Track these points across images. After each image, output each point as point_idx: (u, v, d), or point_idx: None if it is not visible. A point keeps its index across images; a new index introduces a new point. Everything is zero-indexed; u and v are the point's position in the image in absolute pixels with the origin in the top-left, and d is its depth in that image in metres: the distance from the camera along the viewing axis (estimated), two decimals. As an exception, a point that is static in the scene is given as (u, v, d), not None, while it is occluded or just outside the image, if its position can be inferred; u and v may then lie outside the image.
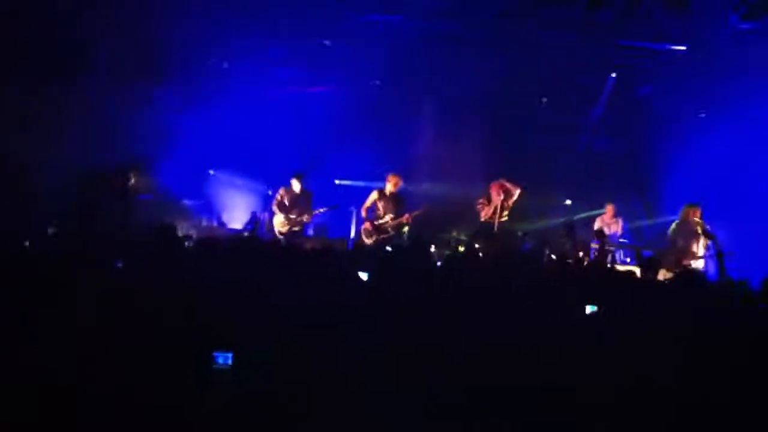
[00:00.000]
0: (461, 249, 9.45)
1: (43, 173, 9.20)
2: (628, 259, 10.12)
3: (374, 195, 9.94)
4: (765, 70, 9.85)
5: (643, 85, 11.83)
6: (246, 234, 8.95)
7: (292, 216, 9.99)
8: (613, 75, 11.62)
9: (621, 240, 10.60)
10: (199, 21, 9.72)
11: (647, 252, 9.52)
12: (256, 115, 11.41)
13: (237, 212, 11.45)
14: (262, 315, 3.47)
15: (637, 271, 7.57)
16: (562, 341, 3.51)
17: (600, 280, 5.40)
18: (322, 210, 10.26)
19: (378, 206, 9.89)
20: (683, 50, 10.57)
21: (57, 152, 9.26)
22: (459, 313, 3.70)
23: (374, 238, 9.72)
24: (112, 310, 3.38)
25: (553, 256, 8.21)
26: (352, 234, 11.01)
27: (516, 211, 10.00)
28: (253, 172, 11.56)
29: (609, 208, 10.68)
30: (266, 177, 11.31)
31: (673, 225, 9.26)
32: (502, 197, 9.77)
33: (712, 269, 8.73)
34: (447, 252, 9.19)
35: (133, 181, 9.76)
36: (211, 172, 11.66)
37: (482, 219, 9.91)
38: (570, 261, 7.89)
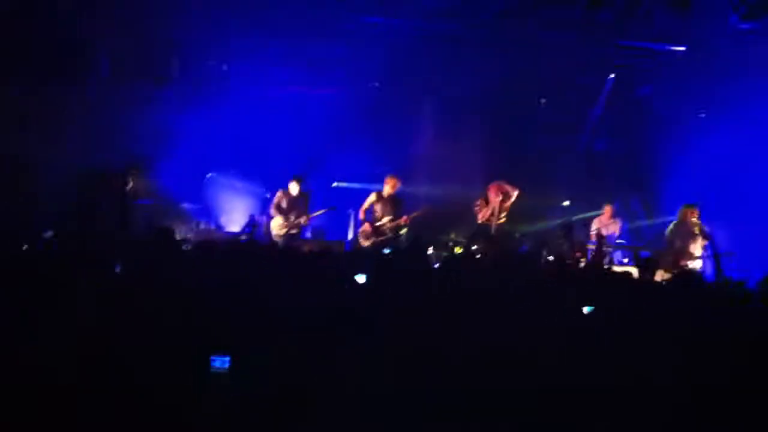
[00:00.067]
0: (458, 250, 9.44)
1: (43, 173, 9.22)
2: (626, 260, 10.12)
3: (372, 197, 9.93)
4: (765, 70, 9.85)
5: (642, 86, 11.84)
6: (244, 237, 8.94)
7: (290, 218, 9.99)
8: (612, 75, 11.62)
9: (618, 241, 10.60)
10: (199, 21, 9.72)
11: (645, 252, 9.52)
12: (256, 115, 11.40)
13: (235, 215, 11.44)
14: (260, 317, 3.48)
15: (635, 271, 7.56)
16: (560, 342, 3.51)
17: (597, 280, 5.40)
18: (319, 212, 10.27)
19: (376, 208, 9.87)
20: (683, 50, 10.58)
21: (57, 152, 9.27)
22: (457, 315, 3.71)
23: (372, 240, 9.71)
24: (112, 310, 3.39)
25: (551, 258, 8.21)
26: (350, 236, 11.01)
27: (514, 213, 9.99)
28: (252, 172, 11.54)
29: (607, 209, 10.68)
30: (265, 178, 11.29)
31: (671, 225, 9.27)
32: (500, 199, 9.76)
33: (709, 270, 8.73)
34: (445, 254, 9.17)
35: (131, 184, 9.73)
36: (209, 175, 11.64)
37: (479, 221, 9.91)
38: (568, 262, 7.89)
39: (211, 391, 3.00)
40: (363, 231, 9.90)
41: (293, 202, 10.04)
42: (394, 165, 10.89)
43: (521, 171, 10.81)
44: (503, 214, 9.81)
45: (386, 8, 10.05)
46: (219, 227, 11.23)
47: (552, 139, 12.23)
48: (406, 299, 3.91)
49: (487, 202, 9.90)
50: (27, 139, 9.20)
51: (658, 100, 11.67)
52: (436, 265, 6.17)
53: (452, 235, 10.30)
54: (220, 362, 3.04)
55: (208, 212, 11.47)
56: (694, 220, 8.93)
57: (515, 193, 9.82)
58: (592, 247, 9.95)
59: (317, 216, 10.34)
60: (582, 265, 8.68)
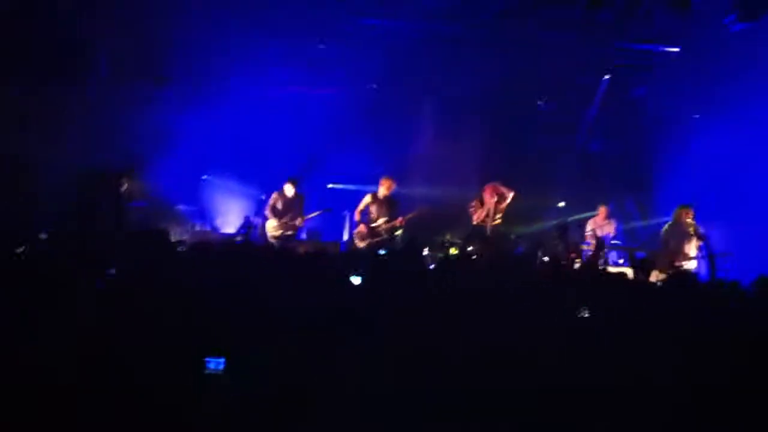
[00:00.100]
0: (454, 251, 9.43)
1: (43, 173, 9.21)
2: (621, 261, 10.13)
3: (367, 198, 9.92)
4: (761, 71, 9.85)
5: (638, 86, 11.84)
6: (239, 238, 8.94)
7: (285, 220, 9.98)
8: (607, 77, 11.64)
9: (614, 242, 10.61)
10: (199, 21, 9.72)
11: (640, 253, 9.52)
12: (256, 115, 11.40)
13: (230, 217, 11.43)
14: (260, 317, 3.48)
15: (630, 272, 7.55)
16: (560, 342, 3.52)
17: (592, 281, 5.39)
18: (314, 214, 10.27)
19: (371, 210, 9.87)
20: (678, 51, 10.61)
21: (57, 152, 9.26)
22: (457, 315, 3.71)
23: (367, 241, 9.71)
24: (112, 310, 3.39)
25: (546, 259, 8.21)
26: (345, 237, 11.00)
27: (510, 214, 9.98)
28: (250, 173, 11.54)
29: (602, 210, 10.68)
30: (262, 179, 11.28)
31: (666, 226, 9.27)
32: (494, 200, 9.76)
33: (704, 270, 8.73)
34: (440, 255, 9.16)
35: (126, 186, 9.72)
36: (205, 177, 11.63)
37: (475, 222, 9.91)
38: (563, 263, 7.89)
39: (210, 391, 3.00)
40: (358, 232, 9.90)
41: (288, 203, 10.04)
42: (392, 165, 10.91)
43: (519, 171, 10.83)
44: (498, 216, 9.81)
45: (386, 9, 10.05)
46: (214, 229, 11.23)
47: (551, 140, 12.24)
48: (405, 299, 3.91)
49: (482, 204, 9.90)
50: (27, 139, 9.18)
51: (653, 101, 11.68)
52: (432, 266, 6.16)
53: (448, 236, 10.30)
54: (215, 364, 3.03)
55: (204, 214, 11.46)
56: (689, 220, 8.93)
57: (510, 195, 9.81)
58: (587, 247, 9.97)
59: (312, 218, 10.34)
60: (577, 266, 8.67)
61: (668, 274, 7.22)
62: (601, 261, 9.17)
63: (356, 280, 4.58)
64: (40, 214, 8.51)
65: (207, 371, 3.02)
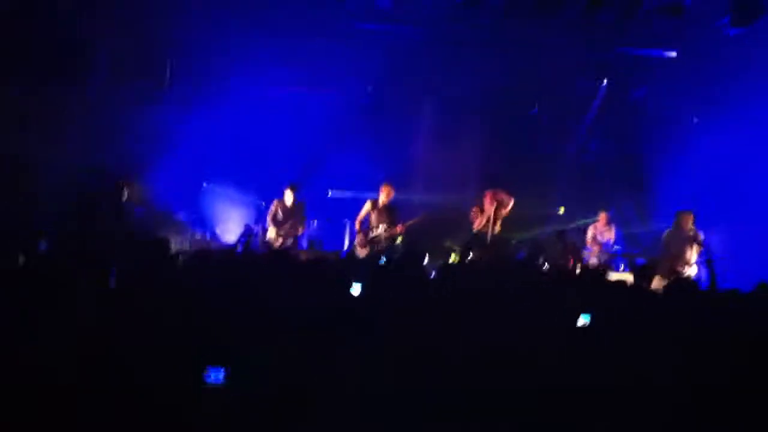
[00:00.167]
0: (454, 257, 9.39)
1: (43, 173, 9.21)
2: (622, 266, 10.12)
3: (368, 206, 9.86)
4: (758, 73, 9.87)
5: (637, 89, 11.85)
6: (239, 247, 8.92)
7: (285, 228, 9.97)
8: (605, 81, 11.65)
9: (614, 248, 10.60)
10: (199, 21, 9.72)
11: (641, 260, 9.51)
12: (256, 115, 11.39)
13: (230, 225, 11.39)
14: (260, 317, 3.48)
15: (630, 278, 7.50)
16: (560, 342, 3.52)
17: (593, 287, 5.38)
18: (314, 222, 10.24)
19: (371, 217, 9.82)
20: (675, 55, 10.62)
21: (57, 152, 9.25)
22: (457, 315, 3.71)
23: (368, 249, 9.70)
24: (112, 311, 3.39)
25: (547, 265, 8.18)
26: (346, 246, 10.98)
27: (510, 219, 9.95)
28: (249, 176, 11.50)
29: (602, 216, 10.63)
30: (262, 182, 11.25)
31: (666, 232, 9.27)
32: (494, 207, 9.72)
33: (704, 276, 8.71)
34: (441, 262, 9.11)
35: (126, 193, 9.69)
36: (205, 184, 11.61)
37: (475, 229, 9.89)
38: (565, 270, 7.87)
39: (210, 391, 3.00)
40: (359, 240, 9.90)
41: (289, 212, 10.02)
42: (392, 169, 10.88)
43: (518, 172, 10.81)
44: (498, 223, 9.79)
45: (386, 13, 10.04)
46: (214, 237, 11.18)
47: (551, 140, 12.22)
48: (406, 299, 3.91)
49: (482, 210, 9.88)
50: (27, 139, 9.18)
51: (653, 103, 11.68)
52: (433, 274, 6.07)
53: (448, 243, 10.25)
54: (215, 376, 2.98)
55: (204, 222, 11.42)
56: (690, 226, 8.94)
57: (511, 202, 9.78)
58: (587, 253, 9.96)
59: (313, 226, 10.31)
60: (578, 271, 8.64)
61: (669, 280, 7.20)
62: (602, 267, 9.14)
63: (356, 290, 4.52)
64: (40, 214, 8.51)
65: (206, 385, 2.98)
